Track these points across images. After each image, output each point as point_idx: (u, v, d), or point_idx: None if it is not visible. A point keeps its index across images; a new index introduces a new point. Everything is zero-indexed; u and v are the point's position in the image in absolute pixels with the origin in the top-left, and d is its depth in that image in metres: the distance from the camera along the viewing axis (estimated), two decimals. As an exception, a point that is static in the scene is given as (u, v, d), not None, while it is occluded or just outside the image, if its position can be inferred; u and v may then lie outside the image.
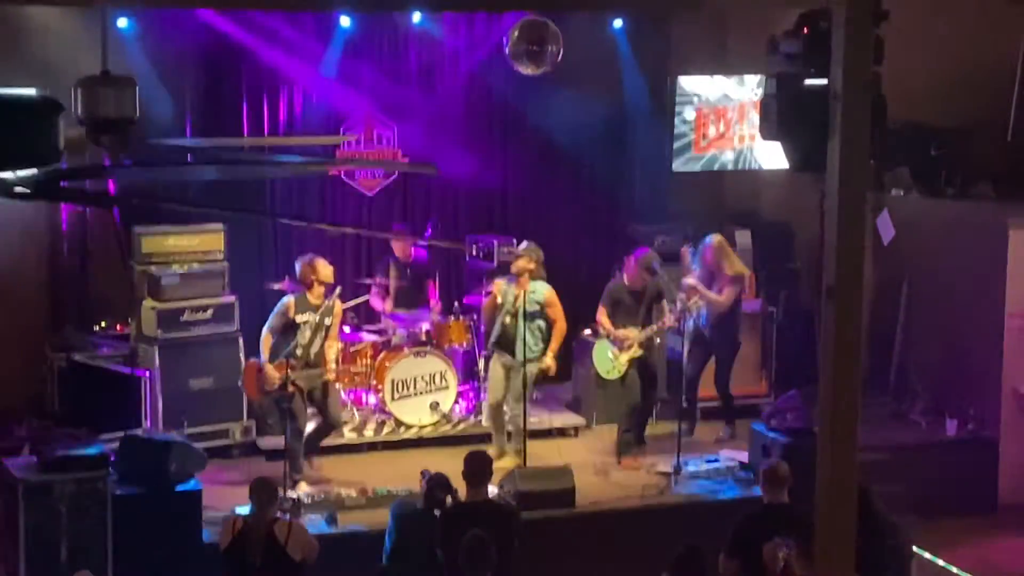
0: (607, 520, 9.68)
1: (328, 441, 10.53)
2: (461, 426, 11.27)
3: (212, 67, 11.72)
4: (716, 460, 10.53)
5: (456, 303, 11.80)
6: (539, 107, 12.27)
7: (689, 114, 12.49)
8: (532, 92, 12.18)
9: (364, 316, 11.83)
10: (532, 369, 10.45)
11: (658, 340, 11.04)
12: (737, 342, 11.34)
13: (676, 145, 12.50)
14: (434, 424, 11.25)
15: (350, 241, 12.25)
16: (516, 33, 11.50)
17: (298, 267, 10.14)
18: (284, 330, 10.00)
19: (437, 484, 8.21)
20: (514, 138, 12.70)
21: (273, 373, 9.88)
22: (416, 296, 11.74)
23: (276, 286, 10.90)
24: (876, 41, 5.75)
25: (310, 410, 10.26)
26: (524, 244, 10.62)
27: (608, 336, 10.78)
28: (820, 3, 5.89)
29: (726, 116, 12.61)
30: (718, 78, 12.53)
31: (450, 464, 9.79)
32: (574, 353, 11.94)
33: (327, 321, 10.05)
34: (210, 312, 10.79)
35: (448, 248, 11.98)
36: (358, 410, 11.34)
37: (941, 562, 9.43)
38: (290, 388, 9.84)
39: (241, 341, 10.82)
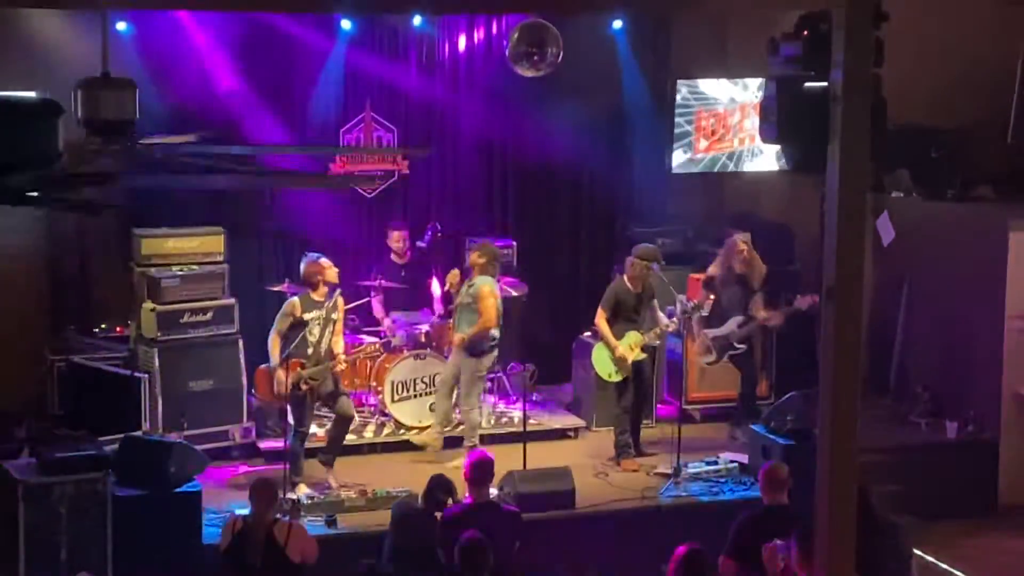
0: (607, 521, 9.69)
1: (327, 442, 10.54)
2: (460, 427, 11.25)
3: (212, 68, 11.70)
4: (716, 462, 10.53)
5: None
6: (539, 109, 12.27)
7: (689, 116, 12.50)
8: (532, 94, 12.18)
9: (364, 319, 11.82)
10: (471, 364, 10.57)
11: (657, 343, 11.04)
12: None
13: (676, 147, 12.51)
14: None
15: (350, 243, 12.24)
16: (516, 35, 11.51)
17: (304, 266, 10.14)
18: (291, 331, 10.01)
19: (438, 485, 8.22)
20: (514, 140, 12.70)
21: (285, 376, 9.89)
22: (412, 299, 11.76)
23: (276, 288, 10.92)
24: (876, 43, 5.75)
25: (316, 414, 10.37)
26: (479, 241, 10.97)
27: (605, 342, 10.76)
28: (820, 5, 5.89)
29: (726, 118, 12.62)
30: (718, 80, 12.53)
31: (450, 465, 9.81)
32: (574, 354, 11.95)
33: (334, 316, 10.09)
34: (210, 314, 10.79)
35: (447, 250, 12.01)
36: (358, 412, 11.33)
37: (941, 563, 9.44)
38: (303, 387, 9.87)
39: (241, 343, 10.83)
